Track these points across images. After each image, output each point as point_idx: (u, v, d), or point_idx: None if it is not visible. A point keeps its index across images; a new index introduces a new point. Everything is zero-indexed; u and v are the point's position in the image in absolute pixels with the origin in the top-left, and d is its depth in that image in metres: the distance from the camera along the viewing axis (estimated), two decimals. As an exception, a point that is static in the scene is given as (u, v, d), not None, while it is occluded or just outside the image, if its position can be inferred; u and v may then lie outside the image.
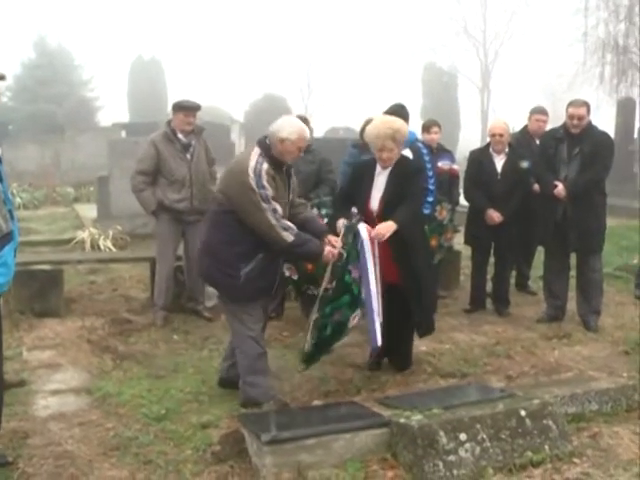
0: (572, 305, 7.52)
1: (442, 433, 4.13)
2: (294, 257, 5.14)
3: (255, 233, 4.97)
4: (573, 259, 7.45)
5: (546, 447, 4.33)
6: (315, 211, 6.30)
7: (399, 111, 7.10)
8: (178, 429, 4.85)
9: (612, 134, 10.60)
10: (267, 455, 4.13)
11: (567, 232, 7.12)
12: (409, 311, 5.74)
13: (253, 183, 4.87)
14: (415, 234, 5.73)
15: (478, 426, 4.24)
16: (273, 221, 4.89)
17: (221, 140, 23.29)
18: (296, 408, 5.13)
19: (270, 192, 4.91)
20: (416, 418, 4.31)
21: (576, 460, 4.33)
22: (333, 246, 5.18)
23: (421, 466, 4.08)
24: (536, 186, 7.66)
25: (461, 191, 8.13)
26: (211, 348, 6.61)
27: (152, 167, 7.33)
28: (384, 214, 5.60)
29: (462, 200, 8.20)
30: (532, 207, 7.58)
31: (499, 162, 7.69)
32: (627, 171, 16.87)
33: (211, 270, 5.20)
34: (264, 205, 4.87)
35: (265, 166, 4.94)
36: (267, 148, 5.04)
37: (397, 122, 5.73)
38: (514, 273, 8.68)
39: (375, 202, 5.71)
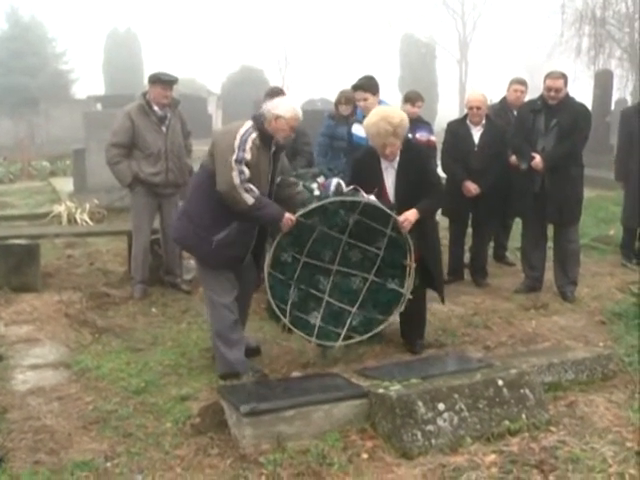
0: (549, 276, 7.57)
1: (420, 403, 4.17)
2: (255, 220, 5.19)
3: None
4: (550, 230, 7.49)
5: (523, 416, 4.38)
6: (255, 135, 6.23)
7: (368, 83, 7.11)
8: (157, 402, 4.87)
9: (589, 106, 10.61)
10: (246, 426, 4.15)
11: (545, 204, 7.15)
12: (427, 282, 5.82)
13: (236, 144, 5.00)
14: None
15: (456, 396, 4.28)
16: (236, 181, 4.97)
17: (198, 112, 23.23)
18: (275, 380, 5.15)
19: (247, 157, 5.02)
20: (394, 388, 4.34)
21: (553, 428, 4.38)
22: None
23: (400, 436, 4.11)
24: (513, 158, 7.67)
25: (439, 163, 8.12)
26: (189, 321, 6.62)
27: (127, 140, 7.27)
28: (401, 205, 5.53)
29: (440, 172, 8.20)
30: (509, 179, 7.60)
31: (476, 134, 7.69)
32: (604, 143, 16.94)
33: (185, 232, 5.31)
34: (234, 165, 4.97)
35: (253, 135, 5.09)
36: (260, 122, 5.16)
37: (396, 116, 5.56)
38: (492, 244, 8.72)
39: (391, 195, 5.68)
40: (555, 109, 7.08)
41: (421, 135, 8.33)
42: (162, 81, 7.30)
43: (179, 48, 60.20)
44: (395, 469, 3.97)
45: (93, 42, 47.94)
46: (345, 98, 8.14)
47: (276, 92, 7.60)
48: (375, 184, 5.58)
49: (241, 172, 4.99)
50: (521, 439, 4.23)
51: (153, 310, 6.97)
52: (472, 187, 7.55)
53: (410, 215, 5.42)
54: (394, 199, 5.65)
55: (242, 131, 5.08)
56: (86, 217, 11.24)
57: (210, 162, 5.15)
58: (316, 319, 5.48)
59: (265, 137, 5.16)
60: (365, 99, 7.14)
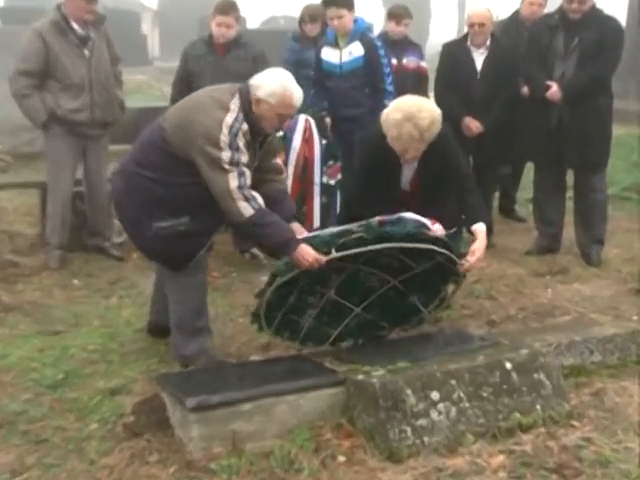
0: (569, 233, 7.64)
1: (409, 392, 4.17)
2: (253, 239, 4.93)
3: (194, 192, 4.86)
4: (571, 177, 7.52)
5: (538, 407, 4.41)
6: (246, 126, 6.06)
7: None
8: (80, 397, 4.81)
9: (622, 21, 10.58)
10: (194, 425, 4.13)
11: (563, 144, 7.18)
12: None
13: (223, 139, 4.69)
14: None
15: (454, 382, 4.29)
16: (232, 185, 4.70)
17: (129, 32, 22.91)
18: (229, 365, 5.14)
19: (244, 159, 4.75)
20: (377, 374, 4.35)
21: (575, 423, 4.40)
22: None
23: (385, 433, 4.12)
24: (525, 88, 7.66)
25: (431, 95, 8.09)
26: (121, 294, 6.62)
27: (39, 66, 7.16)
28: (418, 194, 5.60)
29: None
30: (520, 114, 7.59)
31: (479, 58, 7.65)
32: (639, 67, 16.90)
33: (121, 198, 5.15)
34: (228, 166, 4.69)
35: (245, 127, 4.79)
36: (248, 103, 4.86)
37: (426, 117, 5.30)
38: (498, 195, 8.75)
39: (406, 184, 5.70)
40: (578, 25, 7.06)
41: (409, 61, 8.36)
42: (86, -9, 7.19)
43: (104, -48, 59.40)
44: (380, 474, 3.98)
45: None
46: (310, 15, 8.13)
47: (227, 7, 7.51)
48: (390, 178, 5.61)
49: (241, 174, 4.72)
50: (535, 436, 4.25)
51: (74, 282, 6.95)
52: (473, 125, 7.55)
53: (480, 250, 5.33)
54: (409, 185, 5.70)
55: (229, 120, 4.73)
56: (-14, 166, 11.13)
57: (173, 134, 4.86)
58: (310, 318, 5.31)
59: (254, 126, 4.87)
60: (339, 17, 7.19)
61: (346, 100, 7.38)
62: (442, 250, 5.08)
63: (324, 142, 7.21)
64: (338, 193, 7.55)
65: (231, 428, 4.16)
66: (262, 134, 4.99)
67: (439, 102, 7.79)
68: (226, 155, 4.68)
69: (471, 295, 6.51)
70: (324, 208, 7.49)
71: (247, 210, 4.73)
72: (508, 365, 4.47)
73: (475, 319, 6.05)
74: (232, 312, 6.14)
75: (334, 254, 4.81)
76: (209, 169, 4.73)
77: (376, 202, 5.44)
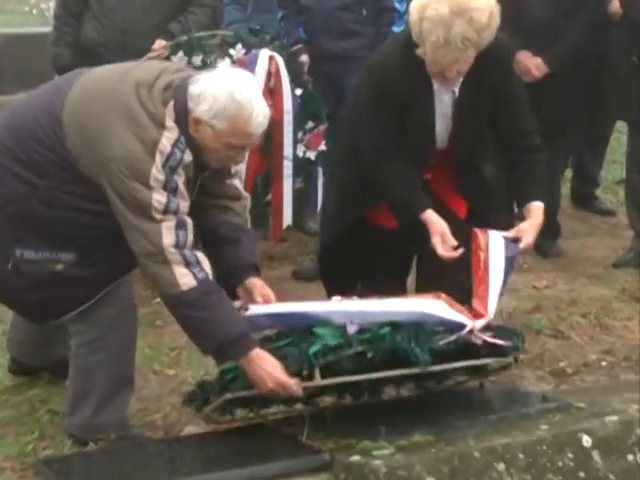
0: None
1: (433, 483, 4.15)
2: (180, 322, 4.84)
3: (93, 222, 4.81)
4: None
5: (635, 508, 4.40)
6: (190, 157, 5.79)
7: None
8: None
9: None
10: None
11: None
12: None
13: (158, 179, 4.60)
14: None
15: (501, 467, 4.26)
16: (167, 241, 4.62)
17: None
18: (152, 442, 5.13)
19: (184, 203, 4.72)
20: (382, 453, 4.32)
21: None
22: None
23: None
24: (614, 2, 7.61)
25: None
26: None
27: None
28: (459, 154, 5.66)
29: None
30: (605, 47, 7.56)
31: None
32: None
33: None
34: (159, 216, 4.61)
35: (188, 158, 4.73)
36: (185, 120, 4.74)
37: (482, 8, 5.21)
38: (569, 174, 8.75)
39: (442, 134, 5.69)
40: None
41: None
42: None
43: None
44: None
45: None
46: None
47: None
48: (419, 111, 5.59)
49: (180, 226, 4.66)
50: None
51: None
52: (532, 63, 7.56)
53: (532, 229, 5.41)
54: (446, 139, 5.70)
55: (167, 146, 4.62)
56: None
57: (73, 137, 4.71)
58: None
59: (196, 155, 4.80)
60: None
61: (333, 27, 7.36)
62: (489, 361, 5.12)
63: (299, 93, 7.18)
64: (320, 172, 7.51)
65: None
66: (206, 168, 4.93)
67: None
68: (159, 200, 4.59)
69: (529, 330, 6.44)
70: (300, 196, 7.45)
71: (186, 280, 4.61)
72: (587, 440, 4.45)
73: (534, 367, 6.05)
74: (156, 359, 6.16)
75: (318, 380, 4.69)
76: (131, 213, 4.64)
77: (395, 167, 5.50)
